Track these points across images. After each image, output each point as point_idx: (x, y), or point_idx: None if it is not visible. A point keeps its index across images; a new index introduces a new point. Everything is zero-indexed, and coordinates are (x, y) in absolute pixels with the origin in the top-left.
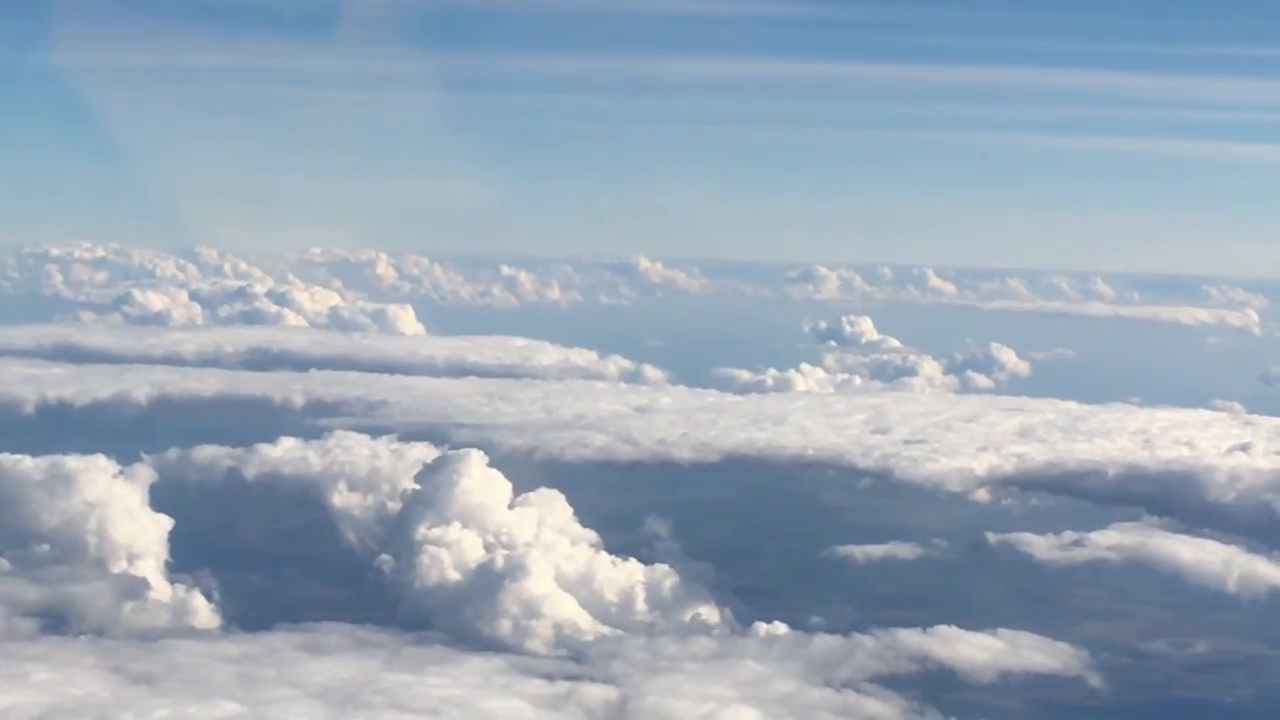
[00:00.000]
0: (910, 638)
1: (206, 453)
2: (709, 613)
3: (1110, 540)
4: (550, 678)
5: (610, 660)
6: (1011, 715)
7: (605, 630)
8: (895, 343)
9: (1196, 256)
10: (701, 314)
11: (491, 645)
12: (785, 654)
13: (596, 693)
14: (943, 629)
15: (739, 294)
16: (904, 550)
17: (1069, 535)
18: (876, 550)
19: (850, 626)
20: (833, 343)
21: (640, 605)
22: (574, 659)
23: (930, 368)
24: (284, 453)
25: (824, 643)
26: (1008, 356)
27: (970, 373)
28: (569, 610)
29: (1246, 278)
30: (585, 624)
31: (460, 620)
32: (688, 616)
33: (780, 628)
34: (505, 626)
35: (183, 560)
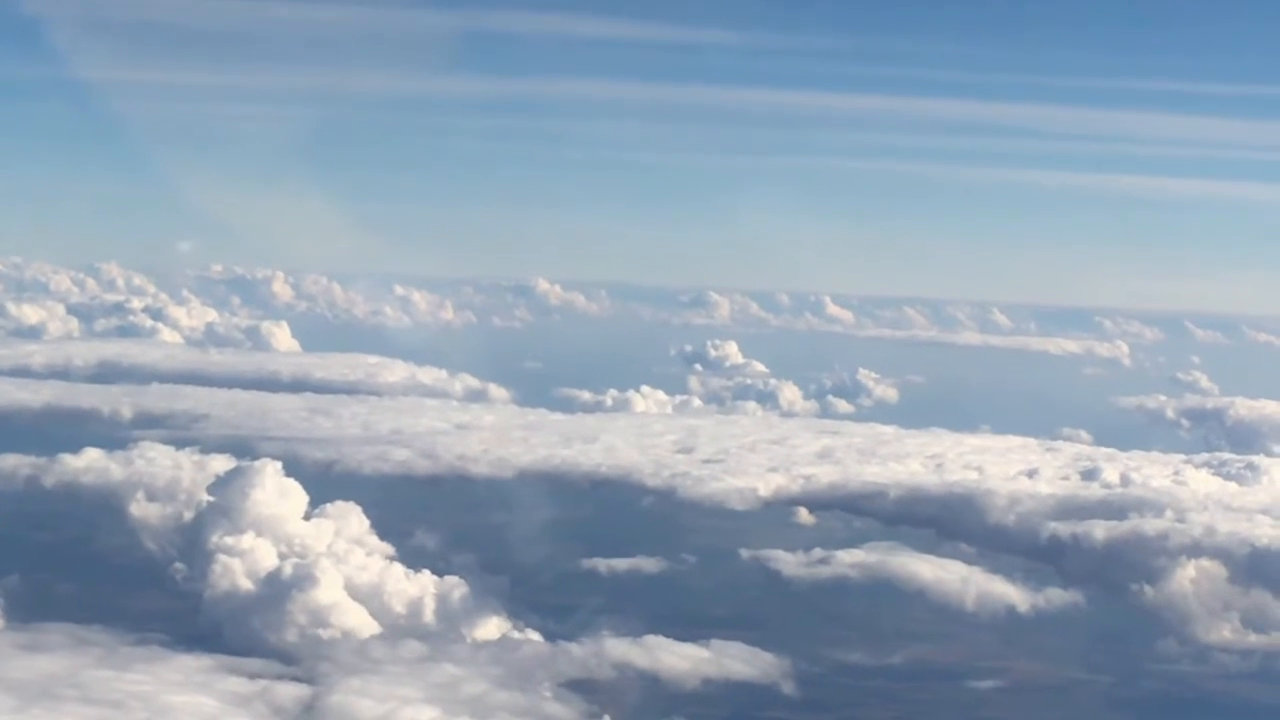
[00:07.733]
0: (616, 646)
1: (8, 461)
2: (499, 624)
3: (855, 559)
4: (254, 676)
5: (320, 661)
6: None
7: None
8: (760, 367)
9: (1096, 289)
10: (590, 337)
11: (276, 653)
12: (492, 659)
13: (289, 691)
14: (651, 638)
15: (636, 318)
16: (649, 564)
17: (818, 553)
18: (621, 564)
19: (564, 635)
20: (698, 366)
21: (428, 616)
22: (284, 660)
23: (791, 393)
24: (86, 463)
25: (532, 649)
26: (874, 383)
27: (832, 398)
28: (357, 619)
29: (1142, 310)
30: (372, 633)
31: (249, 628)
32: (474, 627)
33: (491, 632)
34: (292, 635)
35: None
